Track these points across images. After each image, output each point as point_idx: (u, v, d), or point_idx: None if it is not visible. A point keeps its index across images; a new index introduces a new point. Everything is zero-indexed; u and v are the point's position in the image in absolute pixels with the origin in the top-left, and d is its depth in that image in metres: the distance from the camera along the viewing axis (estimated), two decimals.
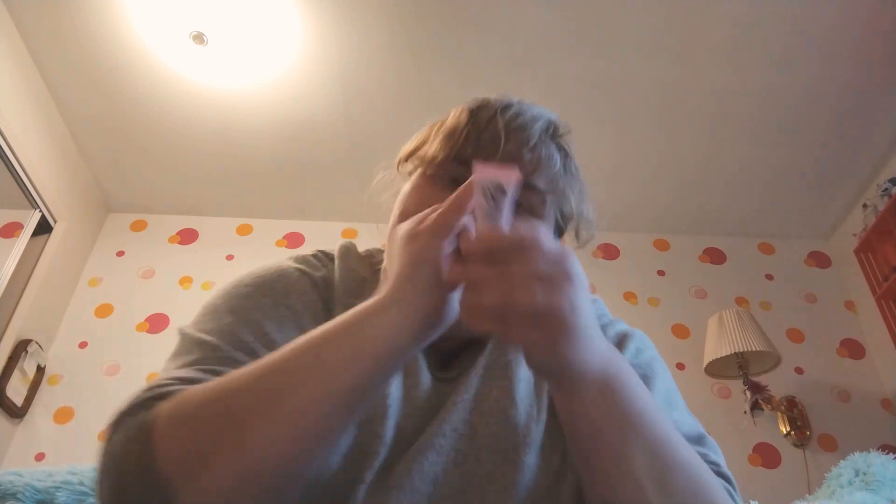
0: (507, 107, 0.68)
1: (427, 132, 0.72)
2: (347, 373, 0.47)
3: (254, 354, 0.56)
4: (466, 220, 0.51)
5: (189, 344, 0.59)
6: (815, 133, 2.44)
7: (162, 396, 0.50)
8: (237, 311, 0.61)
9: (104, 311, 2.56)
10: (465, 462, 0.57)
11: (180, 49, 2.15)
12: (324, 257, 0.73)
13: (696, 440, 0.63)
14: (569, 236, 0.77)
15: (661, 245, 2.88)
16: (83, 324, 2.52)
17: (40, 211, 2.40)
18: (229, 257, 2.74)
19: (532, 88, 2.24)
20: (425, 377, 0.63)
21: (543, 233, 0.46)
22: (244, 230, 2.84)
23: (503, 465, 0.57)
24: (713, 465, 0.59)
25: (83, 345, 2.47)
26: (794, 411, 2.39)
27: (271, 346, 0.57)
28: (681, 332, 2.61)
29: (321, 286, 0.67)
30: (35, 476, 0.89)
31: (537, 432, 0.60)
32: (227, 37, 2.11)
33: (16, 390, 2.22)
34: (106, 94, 2.33)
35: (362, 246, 0.77)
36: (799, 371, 2.51)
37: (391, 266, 0.53)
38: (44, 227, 2.44)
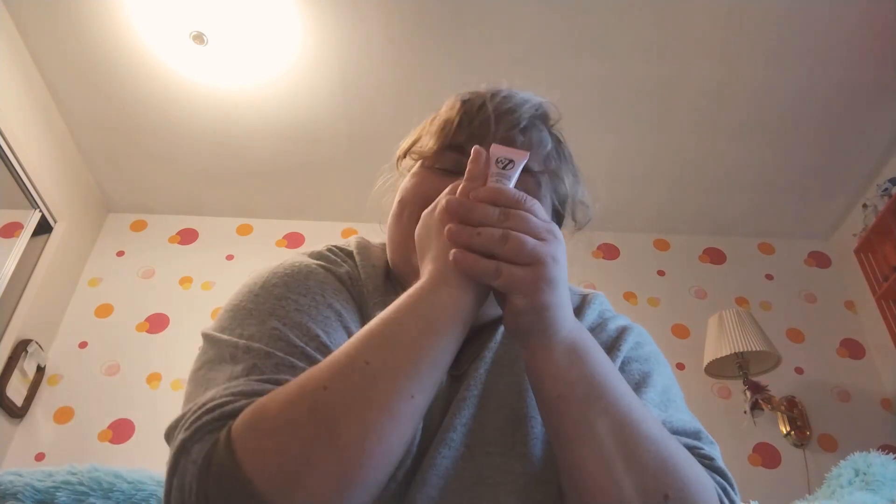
0: (496, 93, 0.70)
1: (422, 127, 0.74)
2: (423, 351, 0.49)
3: (308, 359, 0.54)
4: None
5: (231, 350, 0.55)
6: (815, 133, 2.44)
7: (230, 415, 0.48)
8: (279, 314, 0.58)
9: (104, 311, 2.56)
10: (474, 456, 0.58)
11: (180, 49, 2.15)
12: (340, 252, 0.71)
13: (693, 435, 0.63)
14: (567, 220, 0.77)
15: (661, 245, 2.88)
16: (83, 324, 2.52)
17: (40, 211, 2.40)
18: (229, 257, 2.74)
19: (532, 88, 2.24)
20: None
21: (539, 205, 0.54)
22: (244, 230, 2.84)
23: (511, 457, 0.58)
24: (707, 458, 0.59)
25: (83, 345, 2.47)
26: (794, 411, 2.39)
27: (322, 348, 0.56)
28: (681, 332, 2.61)
29: (347, 282, 0.66)
30: (35, 476, 0.89)
31: (541, 424, 0.60)
32: (227, 37, 2.11)
33: (16, 390, 2.22)
34: (106, 94, 2.33)
35: None
36: (799, 371, 2.51)
37: (427, 248, 0.56)
38: (44, 227, 2.44)
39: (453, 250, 0.52)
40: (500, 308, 0.62)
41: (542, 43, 2.15)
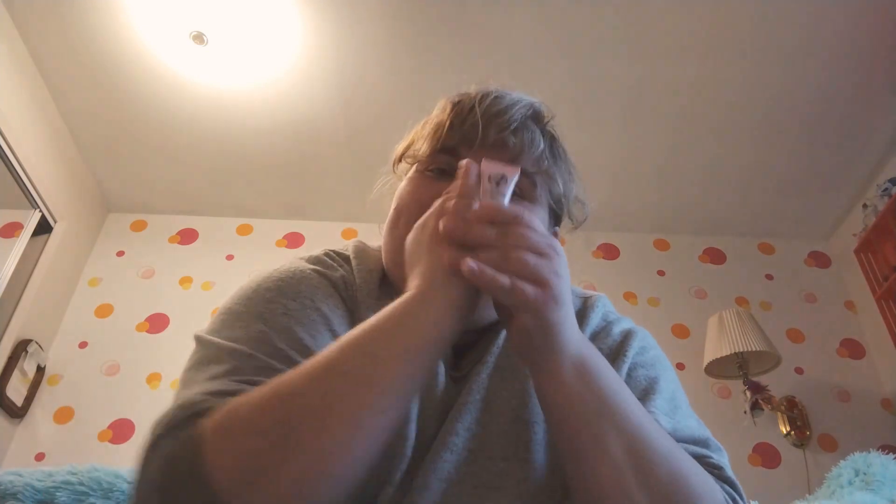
0: (486, 95, 0.69)
1: (416, 130, 0.73)
2: (400, 368, 0.48)
3: (289, 362, 0.55)
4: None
5: (216, 352, 0.57)
6: (814, 133, 2.44)
7: (201, 413, 0.48)
8: (266, 318, 0.59)
9: (104, 311, 2.56)
10: (477, 460, 0.58)
11: (180, 49, 2.14)
12: (337, 257, 0.72)
13: (702, 443, 0.63)
14: (564, 218, 0.76)
15: (661, 245, 2.88)
16: (83, 324, 2.52)
17: (40, 211, 2.40)
18: (229, 257, 2.74)
19: (533, 88, 2.23)
20: (441, 376, 0.63)
21: (537, 219, 0.53)
22: (244, 230, 2.84)
23: (514, 462, 0.58)
24: (715, 468, 0.59)
25: (83, 345, 2.47)
26: (794, 411, 2.39)
27: (305, 352, 0.56)
28: (681, 332, 2.61)
29: (341, 287, 0.67)
30: (35, 476, 0.89)
31: (545, 431, 0.60)
32: (227, 37, 2.11)
33: (16, 390, 2.22)
34: (106, 93, 2.33)
35: None
36: (799, 371, 2.51)
37: (417, 262, 0.55)
38: (44, 227, 2.44)
39: (469, 261, 0.49)
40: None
41: (542, 43, 2.15)
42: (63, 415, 2.30)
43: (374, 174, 0.81)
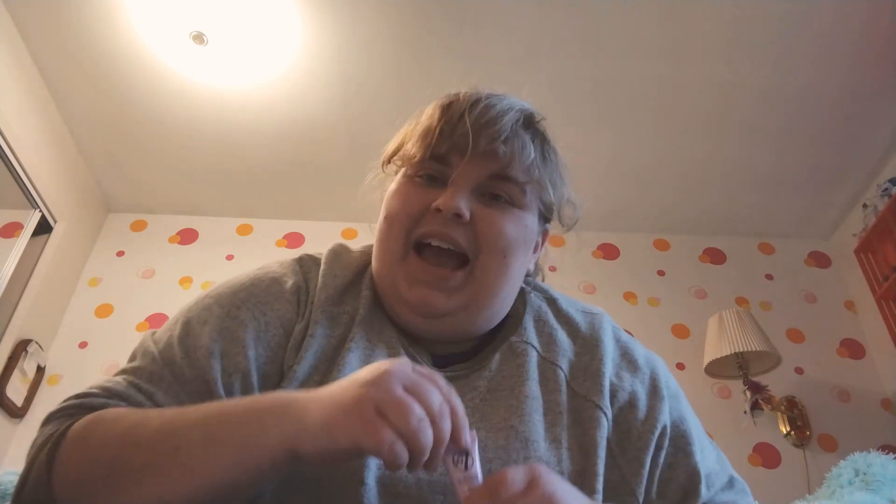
0: (476, 101, 0.67)
1: (406, 131, 0.73)
2: (235, 472, 0.47)
3: (180, 378, 0.59)
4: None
5: (139, 347, 0.63)
6: (815, 133, 2.44)
7: (86, 408, 0.54)
8: (188, 324, 0.63)
9: (104, 311, 2.56)
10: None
11: (180, 49, 2.14)
12: (309, 261, 0.72)
13: (728, 485, 0.65)
14: (556, 220, 0.77)
15: (661, 245, 2.88)
16: (83, 324, 2.52)
17: (40, 211, 2.39)
18: (229, 257, 2.74)
19: (533, 88, 2.23)
20: None
21: (510, 471, 0.46)
22: (244, 230, 2.84)
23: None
24: None
25: (83, 345, 2.47)
26: (794, 411, 2.38)
27: (205, 357, 0.59)
28: (681, 332, 2.61)
29: (291, 294, 0.66)
30: None
31: (545, 449, 0.60)
32: (227, 37, 2.11)
33: (16, 390, 2.22)
34: (106, 93, 2.33)
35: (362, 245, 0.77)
36: (799, 371, 2.51)
37: (340, 387, 0.48)
38: (44, 227, 2.44)
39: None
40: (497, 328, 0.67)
41: (542, 43, 2.15)
42: None
43: (367, 174, 0.81)
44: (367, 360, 0.63)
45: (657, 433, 0.63)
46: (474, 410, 0.62)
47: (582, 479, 0.59)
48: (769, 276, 2.78)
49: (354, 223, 2.81)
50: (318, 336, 0.63)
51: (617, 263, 2.81)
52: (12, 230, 2.36)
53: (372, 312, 0.68)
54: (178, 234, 2.80)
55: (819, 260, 2.83)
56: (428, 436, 0.44)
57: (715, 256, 2.85)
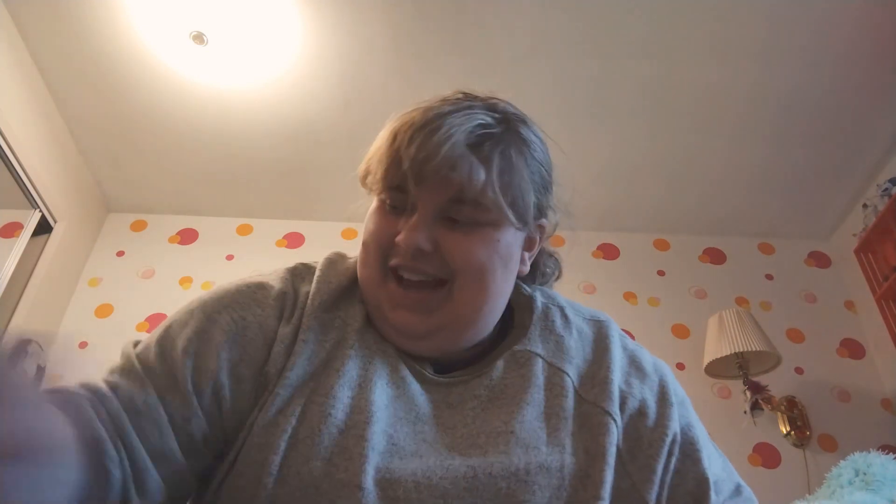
0: (418, 130, 0.63)
1: (371, 151, 0.70)
2: None
3: (150, 373, 0.60)
4: None
5: (125, 344, 0.66)
6: (815, 133, 2.44)
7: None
8: (169, 328, 0.64)
9: (104, 311, 2.56)
10: (476, 478, 0.57)
11: (180, 49, 2.14)
12: (303, 269, 0.72)
13: (735, 492, 0.65)
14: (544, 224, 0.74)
15: (661, 245, 2.88)
16: (83, 324, 2.52)
17: (40, 211, 2.40)
18: (229, 257, 2.74)
19: (533, 87, 2.24)
20: (413, 387, 0.64)
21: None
22: (244, 230, 2.84)
23: (515, 484, 0.57)
24: None
25: (83, 345, 2.47)
26: (794, 411, 2.38)
27: (179, 357, 0.60)
28: (681, 332, 2.61)
29: (276, 303, 0.66)
30: None
31: (548, 455, 0.60)
32: (227, 37, 2.11)
33: None
34: (106, 94, 2.33)
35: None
36: (799, 371, 2.51)
37: None
38: (44, 227, 2.44)
39: None
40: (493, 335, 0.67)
41: (542, 43, 2.15)
42: None
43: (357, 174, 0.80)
44: (365, 368, 0.63)
45: (668, 440, 0.63)
46: (475, 417, 0.62)
47: (584, 485, 0.58)
48: (769, 276, 2.78)
49: (354, 223, 2.81)
50: (310, 342, 0.63)
51: (617, 263, 2.81)
52: (12, 230, 2.36)
53: (369, 320, 0.68)
54: (178, 234, 2.80)
55: (819, 260, 2.83)
56: None
57: (715, 256, 2.85)
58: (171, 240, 2.78)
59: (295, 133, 2.48)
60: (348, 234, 2.81)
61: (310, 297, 0.67)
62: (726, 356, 2.25)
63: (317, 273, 0.70)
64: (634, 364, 0.70)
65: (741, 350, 2.22)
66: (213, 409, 0.60)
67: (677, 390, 0.70)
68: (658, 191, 2.72)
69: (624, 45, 2.15)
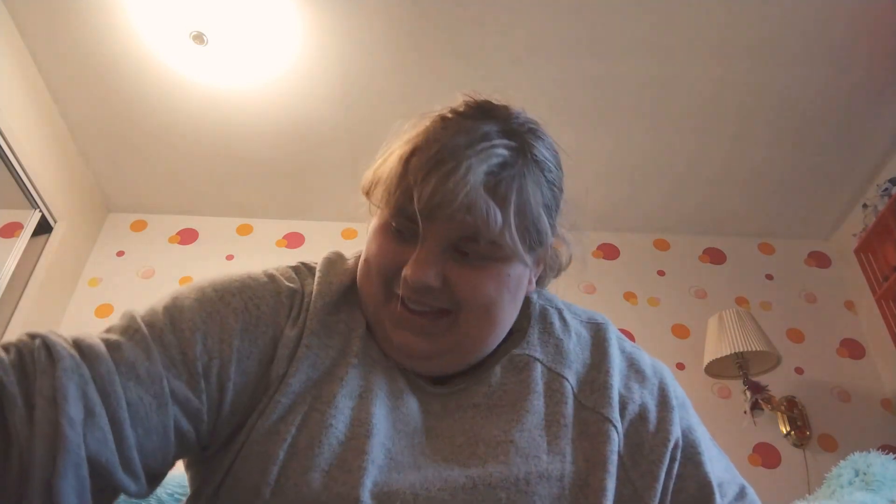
0: (437, 163, 0.59)
1: (378, 164, 0.67)
2: None
3: (158, 340, 0.57)
4: None
5: (127, 308, 0.61)
6: (815, 133, 2.44)
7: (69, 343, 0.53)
8: (176, 297, 0.62)
9: (104, 311, 2.56)
10: (475, 488, 0.57)
11: (180, 49, 2.14)
12: (304, 269, 0.71)
13: (739, 495, 0.65)
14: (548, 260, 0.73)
15: (661, 245, 2.88)
16: (83, 324, 2.51)
17: (40, 211, 2.39)
18: (229, 257, 2.74)
19: (533, 87, 2.24)
20: (411, 398, 0.63)
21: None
22: (244, 230, 2.84)
23: (515, 494, 0.56)
24: None
25: None
26: (794, 411, 2.38)
27: (190, 332, 0.57)
28: (681, 332, 2.61)
29: (288, 296, 0.65)
30: None
31: (547, 463, 0.59)
32: (227, 37, 2.11)
33: None
34: (106, 94, 2.33)
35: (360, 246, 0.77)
36: (799, 371, 2.51)
37: None
38: (44, 227, 2.44)
39: None
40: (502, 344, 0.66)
41: (542, 43, 2.15)
42: None
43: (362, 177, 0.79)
44: (367, 378, 0.62)
45: (671, 445, 0.62)
46: (474, 426, 0.62)
47: (585, 495, 0.58)
48: (769, 276, 2.78)
49: (354, 223, 2.81)
50: (314, 347, 0.62)
51: (617, 263, 2.81)
52: (12, 230, 2.36)
53: (370, 327, 0.67)
54: (178, 234, 2.80)
55: (819, 260, 2.83)
56: None
57: (715, 256, 2.85)
58: (171, 240, 2.78)
59: (295, 133, 2.48)
60: (348, 234, 2.81)
61: (313, 297, 0.65)
62: (726, 356, 2.25)
63: (317, 273, 0.68)
64: (633, 367, 0.69)
65: (741, 350, 2.22)
66: (214, 398, 0.57)
67: (677, 392, 0.69)
68: (658, 191, 2.72)
69: (624, 45, 2.15)
